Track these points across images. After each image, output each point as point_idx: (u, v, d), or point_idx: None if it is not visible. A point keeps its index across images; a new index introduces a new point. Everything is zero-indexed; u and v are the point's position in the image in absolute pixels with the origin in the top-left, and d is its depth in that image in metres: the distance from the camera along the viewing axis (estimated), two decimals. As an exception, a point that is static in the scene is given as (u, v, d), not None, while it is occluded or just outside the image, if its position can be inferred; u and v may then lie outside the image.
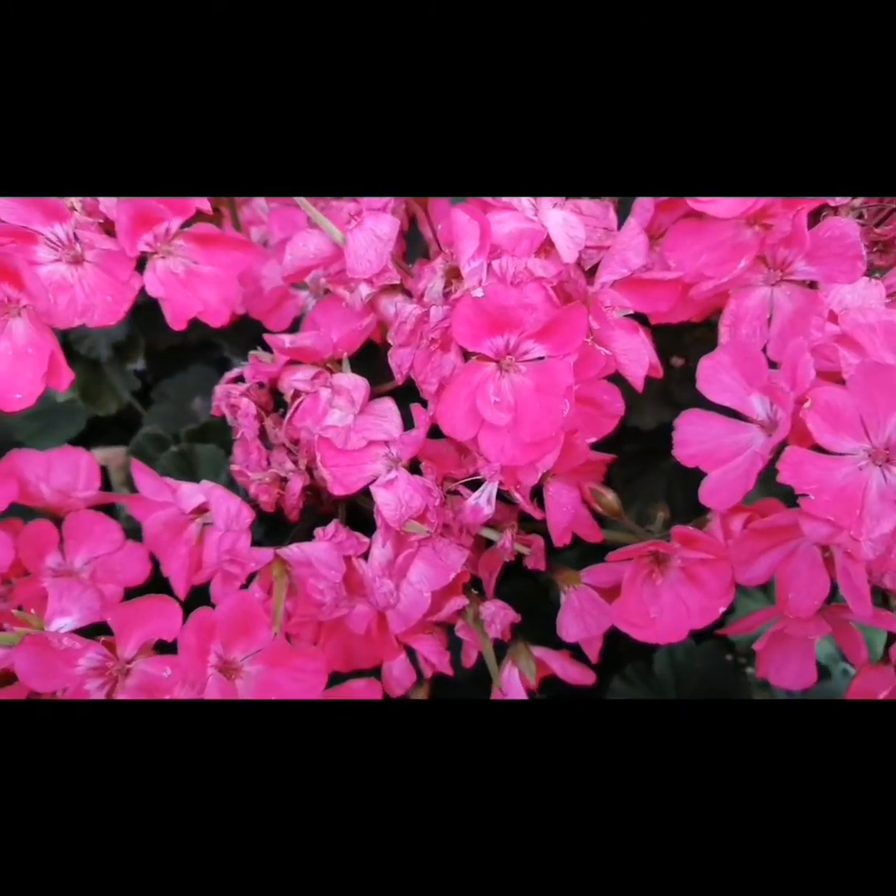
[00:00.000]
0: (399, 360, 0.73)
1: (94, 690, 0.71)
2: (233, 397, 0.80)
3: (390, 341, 0.74)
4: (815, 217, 0.73)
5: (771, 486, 0.68)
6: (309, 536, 0.75)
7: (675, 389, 0.90)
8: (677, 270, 0.75)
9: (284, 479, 0.78)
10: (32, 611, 0.75)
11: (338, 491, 0.73)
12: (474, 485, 0.73)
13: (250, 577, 0.78)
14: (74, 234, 0.74)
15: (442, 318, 0.70)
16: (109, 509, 0.92)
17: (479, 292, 0.68)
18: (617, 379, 0.75)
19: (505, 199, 0.74)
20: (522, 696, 0.80)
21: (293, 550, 0.74)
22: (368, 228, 0.74)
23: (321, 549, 0.74)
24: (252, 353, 0.80)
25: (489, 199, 0.74)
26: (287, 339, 0.77)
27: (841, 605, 0.70)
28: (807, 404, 0.63)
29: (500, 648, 0.81)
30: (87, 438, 1.08)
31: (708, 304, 0.77)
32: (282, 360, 0.79)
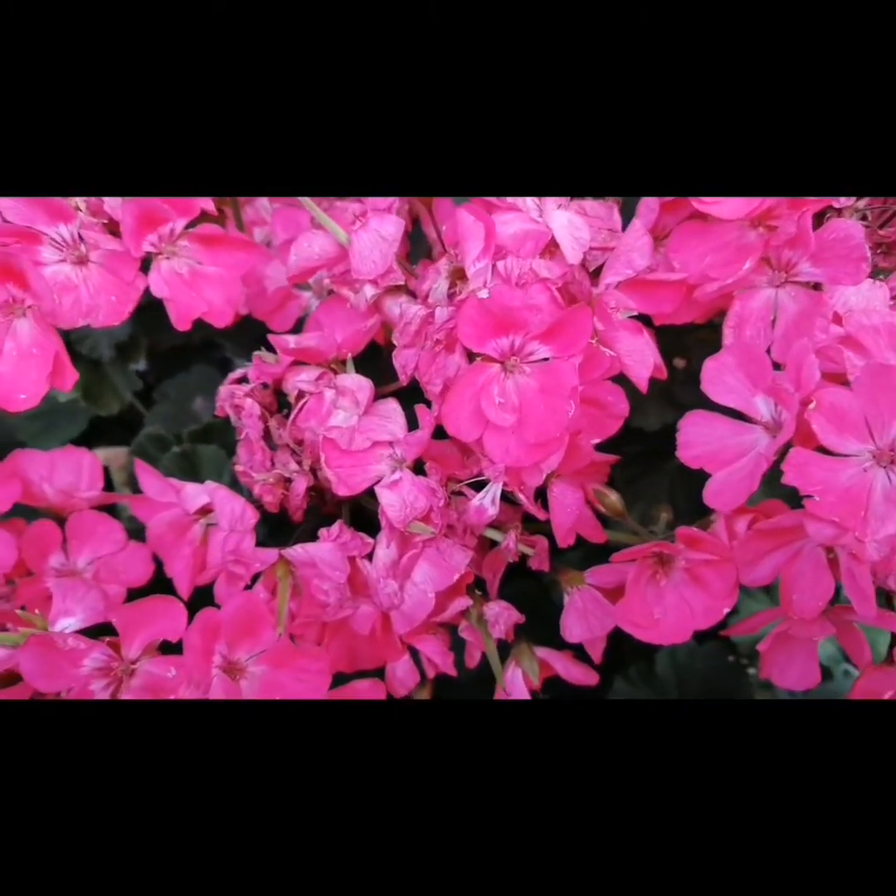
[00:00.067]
0: (403, 361, 0.73)
1: (99, 691, 0.71)
2: (237, 398, 0.80)
3: (395, 342, 0.74)
4: (818, 219, 0.73)
5: (775, 488, 0.68)
6: (313, 537, 0.75)
7: (677, 390, 0.90)
8: (682, 272, 0.76)
9: (288, 480, 0.78)
10: (36, 611, 0.75)
11: (342, 492, 0.73)
12: (478, 486, 0.74)
13: (254, 578, 0.78)
14: (79, 235, 0.74)
15: (447, 319, 0.70)
16: (111, 510, 0.92)
17: (484, 293, 0.68)
18: (619, 380, 0.75)
19: (509, 199, 0.74)
20: (525, 696, 0.80)
21: (297, 551, 0.74)
22: (373, 229, 0.74)
23: (325, 550, 0.74)
24: (256, 353, 0.80)
25: (494, 200, 0.74)
26: (291, 340, 0.77)
27: (845, 606, 0.71)
28: (812, 406, 0.63)
29: (504, 649, 0.81)
30: (89, 438, 1.08)
31: (712, 306, 0.77)
32: (286, 360, 0.79)
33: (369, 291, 0.75)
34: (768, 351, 0.73)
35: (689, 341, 0.89)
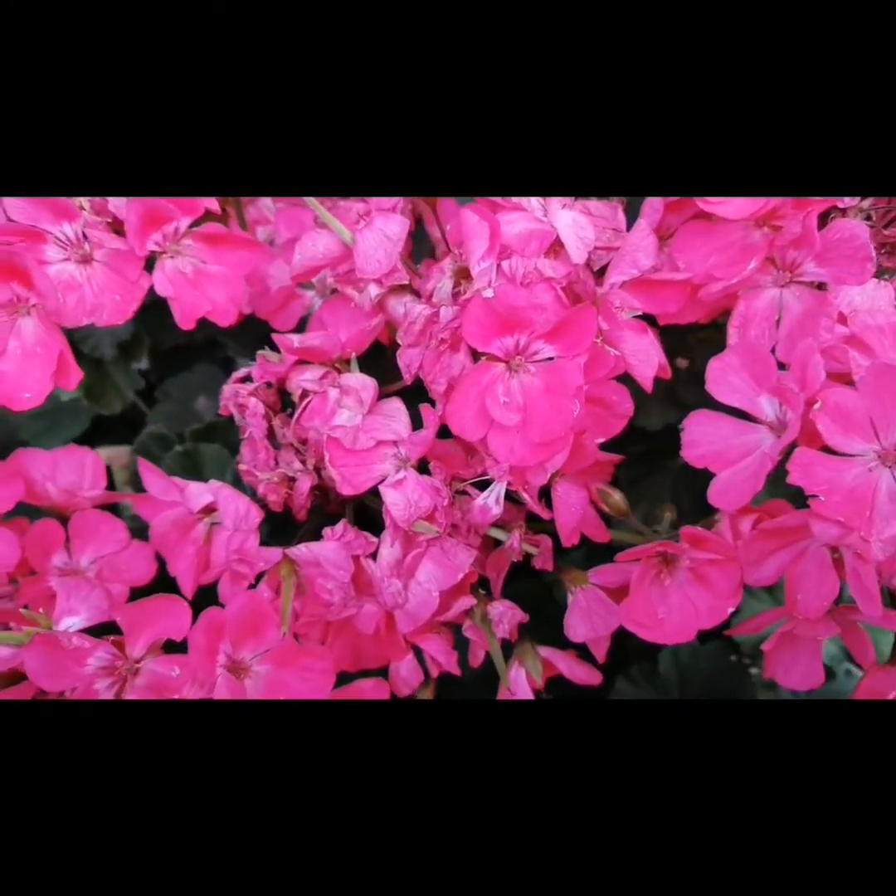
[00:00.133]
0: (408, 361, 0.73)
1: (103, 690, 0.71)
2: (241, 397, 0.80)
3: (399, 341, 0.74)
4: (823, 219, 0.73)
5: (780, 487, 0.68)
6: (317, 536, 0.75)
7: (681, 390, 0.91)
8: (686, 271, 0.76)
9: (292, 479, 0.78)
10: (40, 610, 0.75)
11: (346, 491, 0.73)
12: (483, 485, 0.74)
13: (258, 577, 0.78)
14: (83, 234, 0.74)
15: (452, 318, 0.70)
16: (113, 509, 0.92)
17: (489, 293, 0.68)
18: (624, 379, 0.75)
19: (514, 199, 0.74)
20: (529, 695, 0.80)
21: (301, 550, 0.74)
22: (378, 228, 0.74)
23: (329, 549, 0.74)
24: (260, 352, 0.80)
25: (498, 200, 0.74)
26: (295, 339, 0.77)
27: (850, 606, 0.71)
28: (817, 405, 0.63)
29: (507, 648, 0.81)
30: (92, 437, 1.08)
31: (717, 306, 0.77)
32: (290, 359, 0.79)
33: (373, 290, 0.75)
34: (773, 351, 0.73)
35: (693, 341, 0.89)
